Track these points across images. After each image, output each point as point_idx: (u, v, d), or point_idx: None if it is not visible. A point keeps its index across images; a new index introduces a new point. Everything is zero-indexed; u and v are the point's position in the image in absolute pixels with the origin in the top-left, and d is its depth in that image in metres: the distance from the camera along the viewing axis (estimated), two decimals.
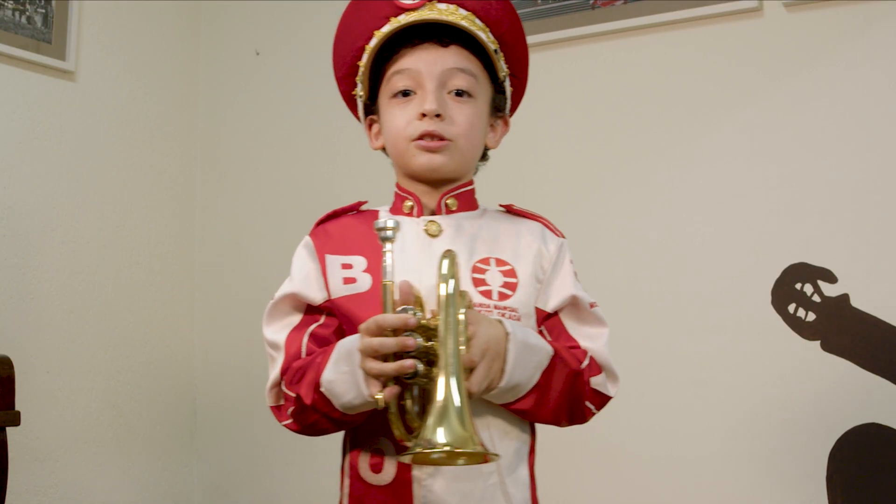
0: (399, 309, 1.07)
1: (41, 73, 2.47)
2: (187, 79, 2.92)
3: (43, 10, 2.47)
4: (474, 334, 1.07)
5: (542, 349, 1.16)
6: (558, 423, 1.23)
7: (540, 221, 1.32)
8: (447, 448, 0.97)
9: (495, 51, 1.26)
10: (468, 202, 1.29)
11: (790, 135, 2.13)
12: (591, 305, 1.26)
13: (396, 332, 1.06)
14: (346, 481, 1.23)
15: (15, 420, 1.93)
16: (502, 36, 1.28)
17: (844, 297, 2.05)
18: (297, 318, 1.24)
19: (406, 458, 1.01)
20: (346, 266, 1.24)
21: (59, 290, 2.48)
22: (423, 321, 1.07)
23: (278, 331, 1.24)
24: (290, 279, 1.27)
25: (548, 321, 1.25)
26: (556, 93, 2.38)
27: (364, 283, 1.21)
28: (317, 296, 1.24)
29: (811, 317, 2.08)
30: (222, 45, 2.94)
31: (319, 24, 2.78)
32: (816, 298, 2.07)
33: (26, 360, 2.32)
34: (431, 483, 1.15)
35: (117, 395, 2.62)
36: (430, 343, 1.06)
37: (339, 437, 1.29)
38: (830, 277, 2.07)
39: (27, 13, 2.44)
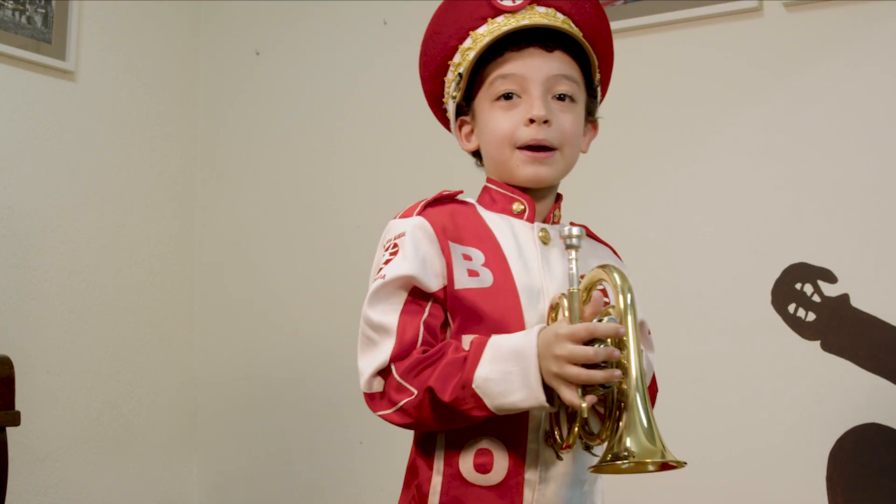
0: (600, 319, 1.06)
1: (41, 73, 2.47)
2: (187, 79, 2.92)
3: (43, 10, 2.47)
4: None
5: (652, 367, 1.20)
6: None
7: (608, 246, 1.35)
8: (636, 460, 0.99)
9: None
10: (560, 216, 1.31)
11: (790, 135, 2.13)
12: (649, 332, 1.31)
13: (590, 342, 1.04)
14: (438, 479, 1.17)
15: (15, 420, 1.93)
16: (594, 40, 1.28)
17: (844, 297, 2.05)
18: (404, 302, 1.15)
19: (594, 469, 1.02)
20: (467, 257, 1.20)
21: (59, 290, 2.48)
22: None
23: (386, 312, 1.15)
24: (404, 259, 1.16)
25: None
26: None
27: (486, 278, 1.18)
28: (433, 282, 1.16)
29: (811, 317, 2.08)
30: (222, 45, 2.94)
31: (319, 24, 2.79)
32: (816, 298, 2.07)
33: (26, 360, 2.32)
34: (544, 488, 1.15)
35: (117, 395, 2.62)
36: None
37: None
38: (830, 277, 2.07)
39: (27, 13, 2.44)
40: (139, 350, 2.70)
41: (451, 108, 1.30)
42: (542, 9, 1.23)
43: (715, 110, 2.22)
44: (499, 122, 1.22)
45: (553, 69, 1.22)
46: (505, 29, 1.21)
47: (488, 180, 1.28)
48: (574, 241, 1.07)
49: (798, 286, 2.09)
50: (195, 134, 2.94)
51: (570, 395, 1.03)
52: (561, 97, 1.23)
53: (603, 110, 2.34)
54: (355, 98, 2.71)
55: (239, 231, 2.86)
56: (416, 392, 1.10)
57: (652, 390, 1.23)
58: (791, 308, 2.09)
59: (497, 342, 1.09)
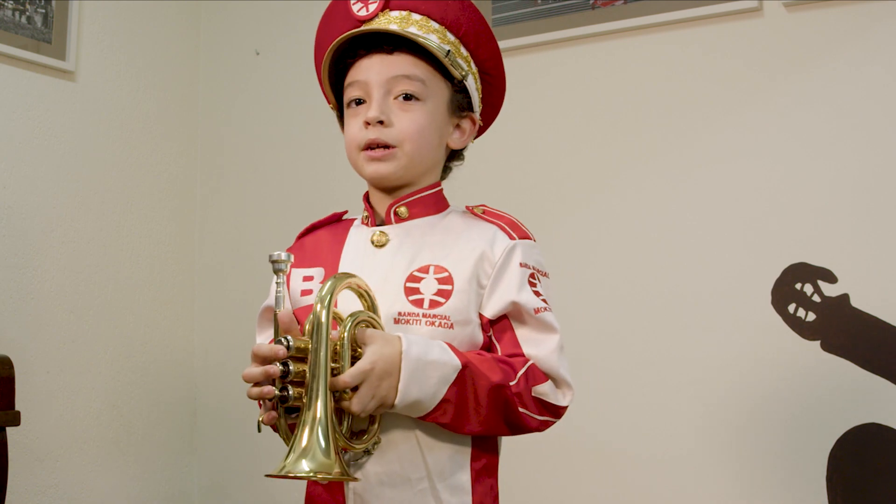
0: (283, 338, 1.13)
1: (41, 73, 2.47)
2: (187, 79, 2.92)
3: (43, 10, 2.47)
4: (363, 354, 1.12)
5: (447, 363, 1.15)
6: (499, 434, 1.24)
7: (496, 223, 1.29)
8: (309, 475, 1.06)
9: (448, 52, 1.26)
10: (426, 207, 1.30)
11: (790, 135, 2.13)
12: (537, 311, 1.23)
13: (271, 360, 1.13)
14: None
15: (15, 420, 1.93)
16: (463, 37, 1.29)
17: (844, 297, 2.05)
18: (269, 329, 1.32)
19: (271, 475, 1.10)
20: (308, 278, 1.29)
21: (59, 290, 2.48)
22: (303, 345, 1.12)
23: (260, 339, 1.37)
24: (269, 292, 1.33)
25: (495, 326, 1.25)
26: (555, 93, 2.38)
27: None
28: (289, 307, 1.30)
29: (811, 317, 2.08)
30: (222, 45, 2.95)
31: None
32: (816, 298, 2.07)
33: (26, 360, 2.32)
34: (358, 486, 1.19)
35: (117, 395, 2.62)
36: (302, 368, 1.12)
37: None
38: (830, 277, 2.07)
39: (27, 13, 2.44)
40: (139, 350, 2.70)
41: (336, 116, 1.38)
42: (395, 13, 1.27)
43: (715, 110, 2.22)
44: (349, 127, 1.29)
45: (392, 70, 1.25)
46: (340, 40, 1.27)
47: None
48: (280, 265, 1.14)
49: (798, 286, 2.09)
50: (195, 134, 2.94)
51: (261, 412, 1.18)
52: (407, 97, 1.26)
53: (604, 110, 2.35)
54: None
55: (239, 231, 2.86)
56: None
57: (482, 384, 1.16)
58: (791, 308, 2.09)
59: None
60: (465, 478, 1.22)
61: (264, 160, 2.84)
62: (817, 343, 2.07)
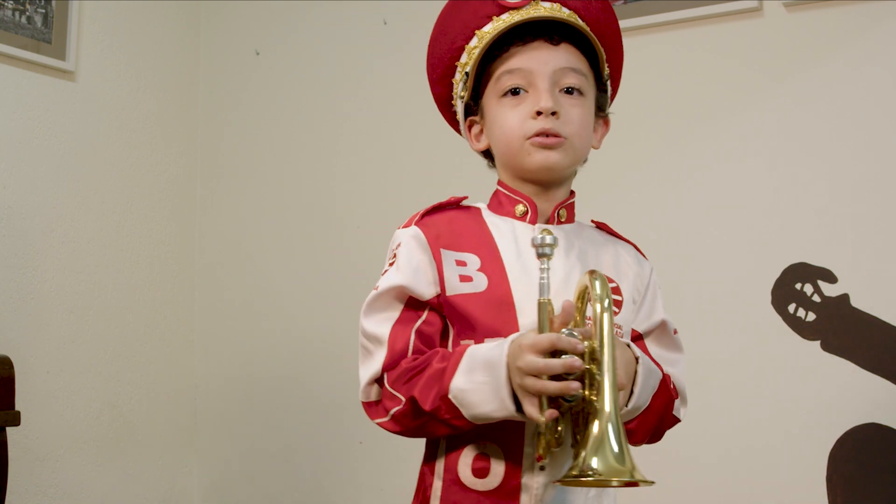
0: (566, 331, 1.04)
1: (41, 73, 2.47)
2: (187, 79, 2.92)
3: (43, 10, 2.47)
4: (616, 358, 1.05)
5: (656, 373, 1.16)
6: (637, 445, 1.22)
7: (630, 242, 1.33)
8: (603, 478, 0.96)
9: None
10: (571, 213, 1.29)
11: (790, 135, 2.13)
12: (675, 332, 1.28)
13: (557, 353, 1.02)
14: (438, 483, 1.18)
15: (15, 420, 1.93)
16: (602, 36, 1.27)
17: (844, 297, 2.05)
18: (398, 312, 1.18)
19: (560, 482, 0.99)
20: (461, 263, 1.20)
21: (59, 290, 2.48)
22: (592, 343, 1.03)
23: (379, 323, 1.17)
24: (398, 270, 1.19)
25: (635, 343, 1.24)
26: None
27: (480, 282, 1.18)
28: (426, 290, 1.18)
29: (811, 317, 2.08)
30: (222, 45, 2.95)
31: (319, 24, 2.79)
32: (816, 298, 2.07)
33: (26, 360, 2.32)
34: (542, 493, 1.14)
35: (117, 395, 2.62)
36: (587, 366, 1.03)
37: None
38: (830, 277, 2.07)
39: (27, 13, 2.44)
40: (139, 350, 2.70)
41: (459, 108, 1.29)
42: (546, 4, 1.22)
43: (715, 110, 2.22)
44: (507, 117, 1.21)
45: (560, 62, 1.21)
46: (507, 24, 1.20)
47: (498, 182, 1.28)
48: (546, 249, 1.04)
49: (798, 286, 2.09)
50: (195, 134, 2.94)
51: (529, 408, 1.03)
52: (569, 90, 1.21)
53: None
54: (355, 98, 2.71)
55: (239, 231, 2.86)
56: (403, 400, 1.12)
57: (664, 397, 1.18)
58: (791, 308, 2.09)
59: (473, 352, 1.10)
60: (614, 490, 1.23)
61: (264, 160, 2.84)
62: (817, 343, 2.07)
